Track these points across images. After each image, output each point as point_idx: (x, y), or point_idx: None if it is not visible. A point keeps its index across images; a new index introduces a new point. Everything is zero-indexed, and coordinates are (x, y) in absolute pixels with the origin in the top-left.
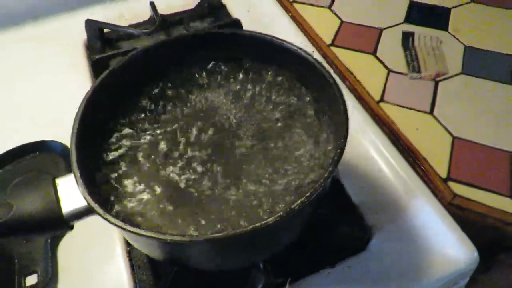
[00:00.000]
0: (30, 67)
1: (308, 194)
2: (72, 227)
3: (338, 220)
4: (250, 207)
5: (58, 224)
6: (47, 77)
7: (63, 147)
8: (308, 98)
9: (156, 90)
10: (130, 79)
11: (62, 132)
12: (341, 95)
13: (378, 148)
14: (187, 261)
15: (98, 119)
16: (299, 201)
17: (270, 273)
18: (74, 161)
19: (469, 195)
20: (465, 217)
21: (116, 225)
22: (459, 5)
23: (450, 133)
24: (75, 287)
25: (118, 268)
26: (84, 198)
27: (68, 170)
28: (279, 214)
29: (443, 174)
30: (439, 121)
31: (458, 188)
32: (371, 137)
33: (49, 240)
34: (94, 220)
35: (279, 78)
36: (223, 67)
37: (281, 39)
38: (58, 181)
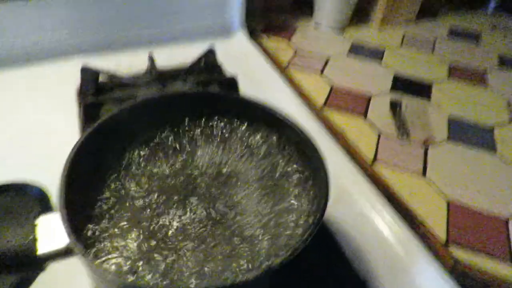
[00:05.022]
0: (17, 107)
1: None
2: (43, 269)
3: (333, 279)
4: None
5: (29, 263)
6: (35, 117)
7: (40, 191)
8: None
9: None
10: (124, 129)
11: (43, 173)
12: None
13: (375, 208)
14: None
15: (89, 163)
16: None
17: None
18: (63, 199)
19: (469, 260)
20: (467, 285)
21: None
22: (440, 81)
23: (445, 197)
24: None
25: None
26: (68, 235)
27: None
28: (260, 272)
29: (442, 239)
30: (432, 185)
31: (458, 253)
32: (367, 197)
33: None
34: (66, 266)
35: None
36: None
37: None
38: (41, 219)
